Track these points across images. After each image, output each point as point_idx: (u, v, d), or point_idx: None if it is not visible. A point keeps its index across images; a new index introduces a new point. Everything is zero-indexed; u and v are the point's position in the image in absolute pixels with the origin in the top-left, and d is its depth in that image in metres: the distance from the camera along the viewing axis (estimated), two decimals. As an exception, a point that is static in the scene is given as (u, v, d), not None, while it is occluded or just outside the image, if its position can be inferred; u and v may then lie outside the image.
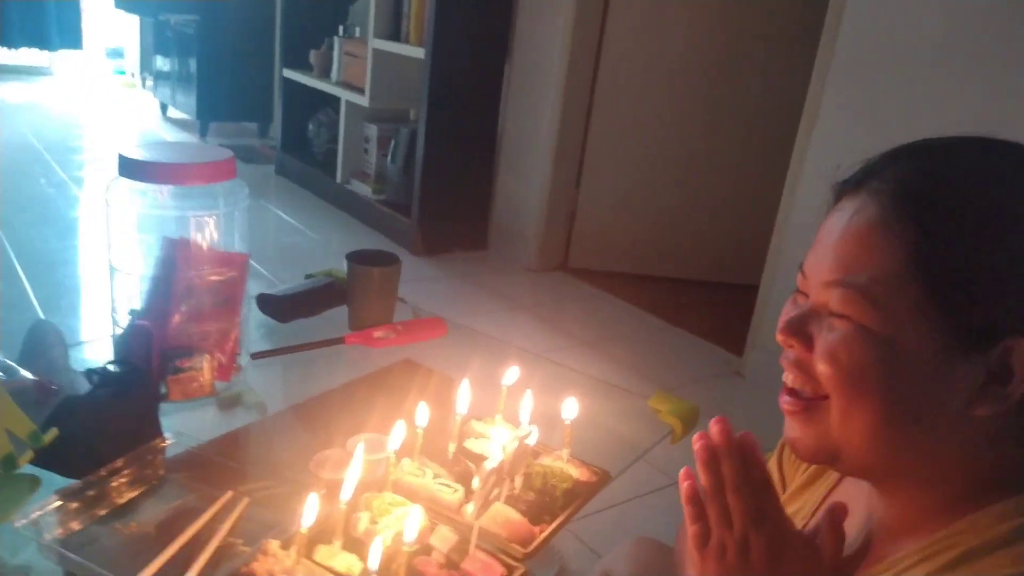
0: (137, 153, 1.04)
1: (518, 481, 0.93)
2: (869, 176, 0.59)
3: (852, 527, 0.68)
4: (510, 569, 0.81)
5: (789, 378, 0.63)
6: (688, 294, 3.24)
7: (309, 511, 0.76)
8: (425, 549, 0.83)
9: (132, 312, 1.12)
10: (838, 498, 0.72)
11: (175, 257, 1.07)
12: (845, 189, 0.61)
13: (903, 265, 0.54)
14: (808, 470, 0.77)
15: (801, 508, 0.74)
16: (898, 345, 0.55)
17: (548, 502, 0.93)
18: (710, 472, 0.62)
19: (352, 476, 0.79)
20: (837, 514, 0.64)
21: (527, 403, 0.95)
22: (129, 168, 1.03)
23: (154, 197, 1.07)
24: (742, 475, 0.61)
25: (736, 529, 0.61)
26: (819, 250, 0.61)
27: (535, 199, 3.27)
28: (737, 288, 3.08)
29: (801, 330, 0.61)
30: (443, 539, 0.83)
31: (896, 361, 0.55)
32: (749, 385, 2.51)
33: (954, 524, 0.56)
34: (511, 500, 0.91)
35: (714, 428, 0.63)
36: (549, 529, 0.89)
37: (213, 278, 1.10)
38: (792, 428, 0.64)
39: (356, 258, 1.35)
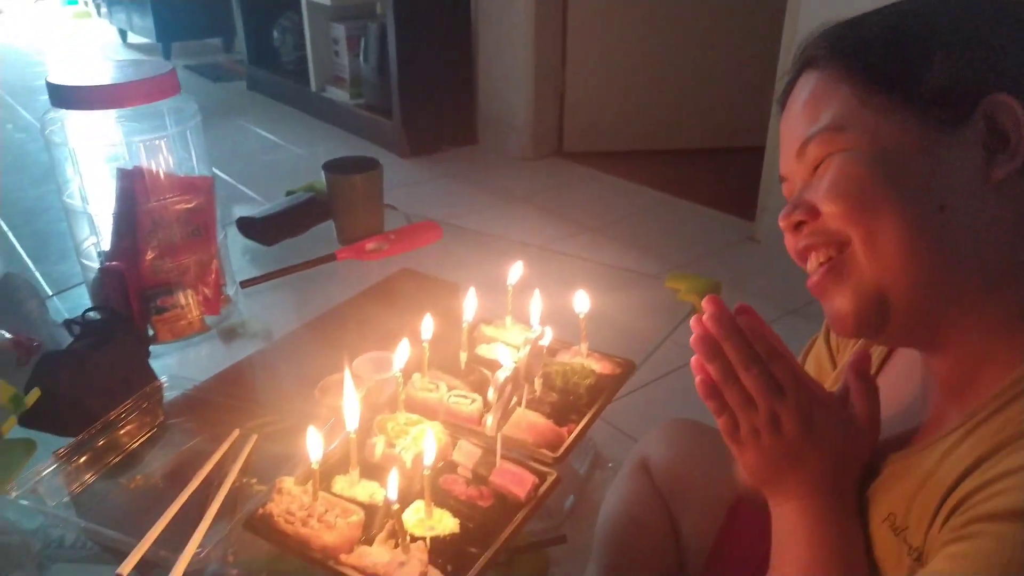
0: (68, 79, 0.93)
1: (537, 383, 0.87)
2: (804, 62, 0.60)
3: (907, 390, 0.64)
4: (541, 476, 0.76)
5: (811, 260, 0.60)
6: (692, 165, 3.12)
7: (313, 445, 0.70)
8: (450, 466, 0.78)
9: (100, 254, 1.04)
10: (891, 369, 0.68)
11: (134, 190, 0.98)
12: (784, 90, 0.62)
13: (852, 91, 0.55)
14: (857, 344, 0.71)
15: None
16: (883, 148, 0.54)
17: (572, 401, 0.87)
18: (714, 360, 0.59)
19: (350, 404, 0.73)
20: (861, 364, 0.61)
21: (536, 304, 0.88)
22: (61, 96, 0.93)
23: (96, 125, 0.97)
24: (747, 352, 0.59)
25: (760, 408, 0.59)
26: (784, 147, 0.61)
27: (520, 83, 3.11)
28: (742, 152, 2.97)
29: (799, 202, 0.59)
30: (466, 454, 0.78)
31: (889, 163, 0.54)
32: (764, 249, 2.44)
33: None
34: (533, 404, 0.85)
35: (707, 311, 0.60)
36: (577, 429, 0.83)
37: (179, 207, 1.01)
38: (830, 303, 0.59)
39: (334, 167, 1.26)
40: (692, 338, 0.60)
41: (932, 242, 0.53)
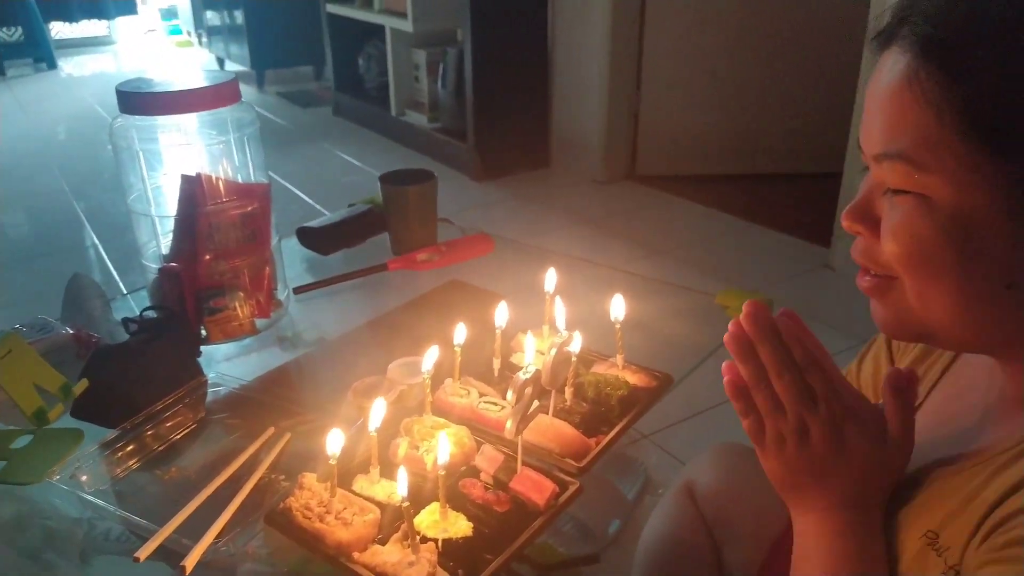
0: (134, 86, 0.98)
1: (568, 392, 0.85)
2: (901, 22, 0.50)
3: (970, 402, 0.60)
4: (563, 485, 0.74)
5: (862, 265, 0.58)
6: (768, 189, 3.05)
7: (333, 442, 0.70)
8: (472, 471, 0.77)
9: (162, 256, 1.08)
10: (952, 379, 0.64)
11: (195, 194, 1.02)
12: (881, 43, 0.52)
13: (942, 121, 0.47)
14: (916, 347, 0.68)
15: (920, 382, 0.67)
16: (963, 211, 0.48)
17: (604, 412, 0.85)
18: (747, 362, 0.57)
19: (378, 406, 0.73)
20: (898, 381, 0.57)
21: (560, 307, 0.87)
22: (129, 103, 0.98)
23: (159, 131, 1.02)
24: (782, 358, 0.56)
25: (790, 416, 0.56)
26: (865, 120, 0.53)
27: (594, 106, 3.11)
28: (819, 177, 2.88)
29: (865, 215, 0.54)
30: (489, 459, 0.77)
31: (965, 230, 0.48)
32: (840, 277, 2.34)
33: None
34: (563, 413, 0.84)
35: (745, 311, 0.57)
36: (605, 441, 0.81)
37: (236, 212, 1.04)
38: (874, 308, 0.58)
39: (390, 179, 1.28)
40: (726, 336, 0.58)
41: (990, 315, 0.51)
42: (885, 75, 0.50)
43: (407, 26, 3.40)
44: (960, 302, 0.51)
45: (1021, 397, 0.55)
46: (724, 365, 0.59)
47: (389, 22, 3.61)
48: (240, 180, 1.09)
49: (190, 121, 1.01)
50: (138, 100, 0.97)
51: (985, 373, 0.60)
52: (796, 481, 0.58)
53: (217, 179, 1.05)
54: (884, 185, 0.53)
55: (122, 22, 7.16)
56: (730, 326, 0.58)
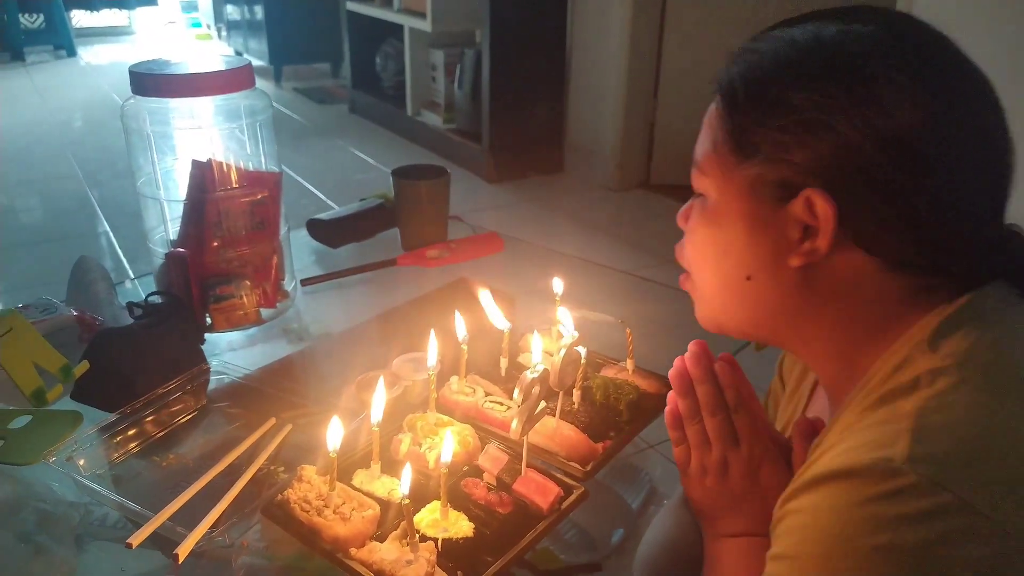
0: (147, 67, 0.97)
1: (576, 396, 0.83)
2: (730, 62, 0.60)
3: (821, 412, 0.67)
4: (567, 489, 0.73)
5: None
6: (781, 202, 3.03)
7: (333, 435, 0.69)
8: (475, 471, 0.76)
9: (169, 242, 1.07)
10: (817, 398, 0.71)
11: (205, 180, 1.01)
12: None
13: (716, 139, 0.58)
14: (795, 371, 0.76)
15: (795, 410, 0.74)
16: (719, 211, 0.58)
17: (612, 417, 0.83)
18: (685, 397, 0.64)
19: (378, 399, 0.72)
20: (805, 428, 0.63)
21: (567, 310, 0.85)
22: (141, 84, 0.96)
23: (172, 115, 1.00)
24: (716, 398, 0.63)
25: (714, 451, 0.63)
26: None
27: (610, 113, 3.09)
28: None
29: (686, 214, 0.63)
30: (492, 460, 0.75)
31: (719, 229, 0.58)
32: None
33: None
34: (570, 416, 0.82)
35: (689, 351, 0.65)
36: (612, 446, 0.79)
37: (245, 200, 1.03)
38: None
39: (402, 173, 1.26)
40: (671, 372, 0.65)
41: (739, 303, 0.59)
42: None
43: (426, 26, 3.40)
44: (718, 292, 0.60)
45: (832, 394, 0.61)
46: (668, 396, 0.66)
47: (408, 21, 3.61)
48: (251, 168, 1.08)
49: (202, 105, 1.00)
50: (151, 81, 0.96)
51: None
52: (713, 509, 0.65)
53: (228, 166, 1.04)
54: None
55: (142, 13, 7.20)
56: (675, 362, 0.65)
